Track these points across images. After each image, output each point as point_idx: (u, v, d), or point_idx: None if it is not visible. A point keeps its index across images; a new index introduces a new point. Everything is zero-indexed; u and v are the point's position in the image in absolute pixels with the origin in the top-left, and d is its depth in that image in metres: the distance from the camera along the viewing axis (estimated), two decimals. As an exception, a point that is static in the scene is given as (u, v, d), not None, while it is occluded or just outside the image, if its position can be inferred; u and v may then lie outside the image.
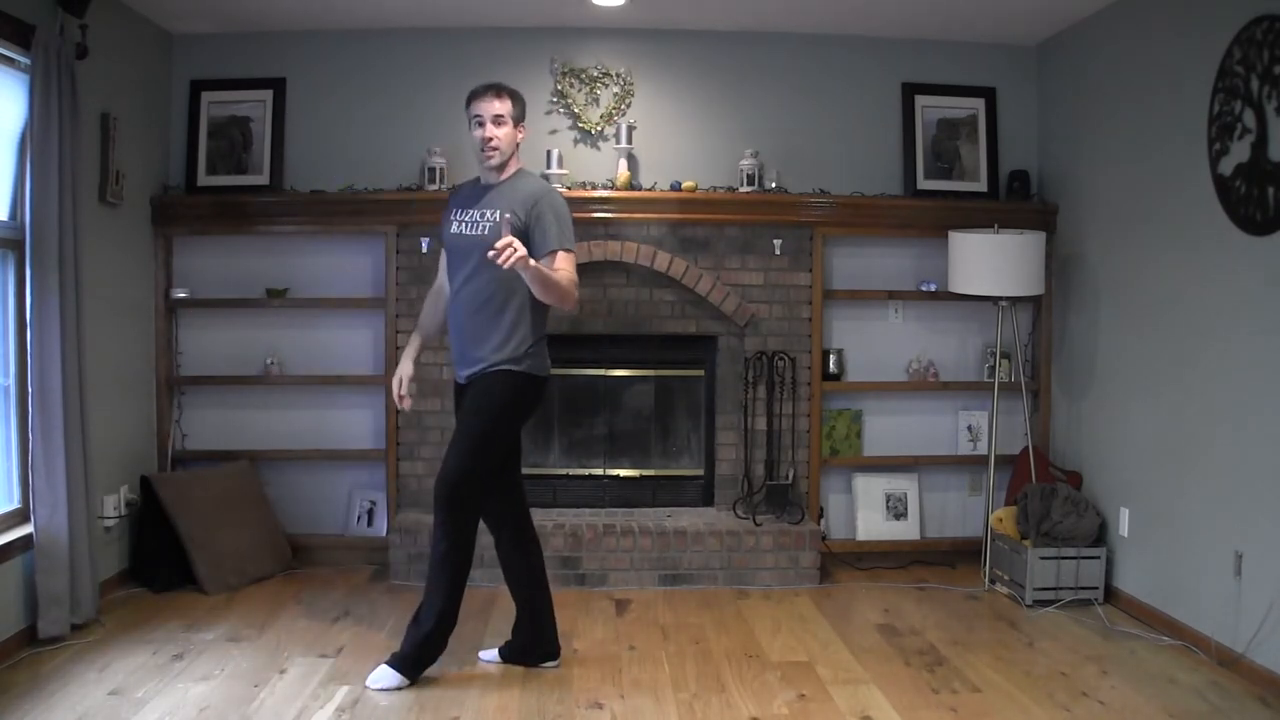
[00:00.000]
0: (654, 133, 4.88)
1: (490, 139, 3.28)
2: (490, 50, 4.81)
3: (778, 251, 4.78)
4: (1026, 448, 4.73)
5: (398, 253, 4.70)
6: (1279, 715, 3.18)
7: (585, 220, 4.69)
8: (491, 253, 2.96)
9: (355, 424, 4.87)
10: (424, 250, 4.68)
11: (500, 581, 4.38)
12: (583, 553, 4.47)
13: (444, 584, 3.32)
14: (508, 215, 3.14)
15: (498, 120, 3.28)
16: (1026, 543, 4.28)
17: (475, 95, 3.32)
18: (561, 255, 3.25)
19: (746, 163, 4.75)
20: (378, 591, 4.29)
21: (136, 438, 4.54)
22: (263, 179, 4.77)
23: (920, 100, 4.95)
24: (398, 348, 4.71)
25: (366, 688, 3.29)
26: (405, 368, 3.51)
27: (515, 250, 2.97)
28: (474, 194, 3.39)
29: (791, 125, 4.92)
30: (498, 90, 3.31)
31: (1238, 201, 3.54)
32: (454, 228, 3.34)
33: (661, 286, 4.80)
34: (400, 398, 3.49)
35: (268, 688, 3.30)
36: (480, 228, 3.27)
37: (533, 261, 3.06)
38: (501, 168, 3.34)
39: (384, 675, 3.31)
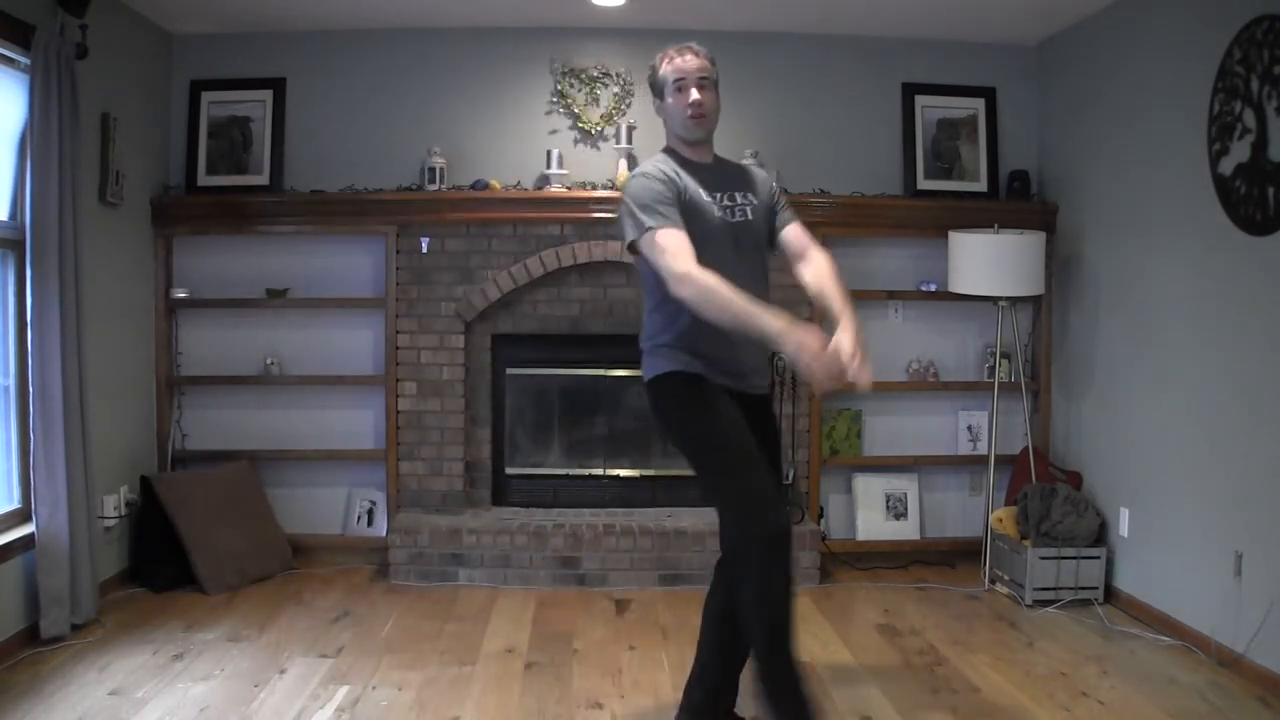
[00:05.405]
0: (654, 133, 4.80)
1: (700, 103, 2.74)
2: (490, 50, 4.82)
3: (778, 251, 4.77)
4: (1026, 448, 4.73)
5: (398, 253, 4.70)
6: (1279, 715, 3.18)
7: (585, 220, 4.70)
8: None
9: (355, 424, 4.86)
10: (424, 250, 4.68)
11: (500, 582, 4.42)
12: (583, 553, 4.47)
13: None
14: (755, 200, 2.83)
15: (702, 83, 2.75)
16: (1026, 543, 4.28)
17: (673, 53, 2.79)
18: (800, 224, 2.96)
19: (746, 163, 4.73)
20: (378, 591, 4.29)
21: (136, 438, 4.54)
22: (263, 179, 4.77)
23: (920, 100, 4.95)
24: (398, 348, 4.72)
25: None
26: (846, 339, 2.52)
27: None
28: (707, 173, 2.81)
29: (791, 125, 4.92)
30: (696, 49, 2.79)
31: (1238, 201, 3.54)
32: (717, 212, 2.76)
33: (661, 286, 4.79)
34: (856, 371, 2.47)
35: (268, 688, 3.30)
36: (744, 213, 2.82)
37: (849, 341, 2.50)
38: (708, 141, 2.84)
39: None
